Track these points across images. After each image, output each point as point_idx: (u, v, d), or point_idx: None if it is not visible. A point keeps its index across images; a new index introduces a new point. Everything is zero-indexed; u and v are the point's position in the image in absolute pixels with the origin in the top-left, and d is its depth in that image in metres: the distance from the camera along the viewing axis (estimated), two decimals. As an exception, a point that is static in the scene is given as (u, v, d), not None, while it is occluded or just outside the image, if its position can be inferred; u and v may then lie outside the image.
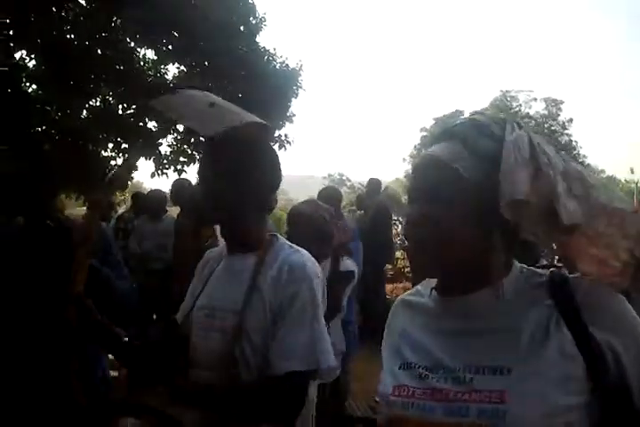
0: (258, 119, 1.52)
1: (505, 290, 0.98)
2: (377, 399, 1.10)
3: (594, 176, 0.97)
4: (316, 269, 1.52)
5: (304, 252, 1.56)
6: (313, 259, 1.55)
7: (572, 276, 0.98)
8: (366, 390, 4.11)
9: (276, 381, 1.40)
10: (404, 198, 4.80)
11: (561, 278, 0.97)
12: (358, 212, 7.74)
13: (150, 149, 8.05)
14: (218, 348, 1.46)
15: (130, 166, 1.65)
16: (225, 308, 1.48)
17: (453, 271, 1.00)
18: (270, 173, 1.56)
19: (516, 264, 1.03)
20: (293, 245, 1.59)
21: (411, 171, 1.03)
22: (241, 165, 1.50)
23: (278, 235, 1.62)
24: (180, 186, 5.33)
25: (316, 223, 2.96)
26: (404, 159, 33.51)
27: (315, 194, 4.95)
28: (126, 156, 8.08)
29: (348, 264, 3.34)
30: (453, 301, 1.04)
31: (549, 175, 0.91)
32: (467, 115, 1.09)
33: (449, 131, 1.02)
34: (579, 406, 0.88)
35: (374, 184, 7.29)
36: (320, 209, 3.03)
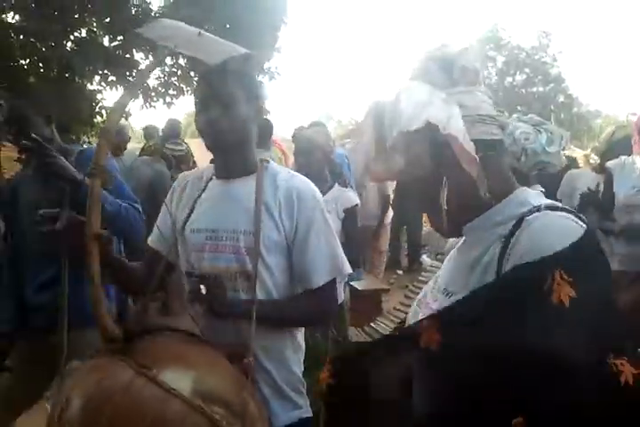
0: (245, 50, 1.57)
1: (490, 219, 1.05)
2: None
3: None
4: (319, 194, 1.65)
5: (301, 176, 1.67)
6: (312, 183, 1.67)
7: (536, 214, 0.98)
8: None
9: (314, 293, 1.59)
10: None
11: (528, 213, 0.99)
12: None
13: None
14: (229, 267, 1.56)
15: (123, 107, 1.55)
16: (234, 229, 1.56)
17: (453, 211, 1.06)
18: (262, 101, 1.65)
19: (518, 195, 1.06)
20: (285, 168, 1.70)
21: None
22: (243, 93, 1.57)
23: (268, 159, 1.69)
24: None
25: (327, 149, 3.00)
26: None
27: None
28: (114, 88, 7.97)
29: (352, 197, 3.22)
30: (462, 231, 1.13)
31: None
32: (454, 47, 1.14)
33: None
34: None
35: None
36: (327, 136, 3.08)
